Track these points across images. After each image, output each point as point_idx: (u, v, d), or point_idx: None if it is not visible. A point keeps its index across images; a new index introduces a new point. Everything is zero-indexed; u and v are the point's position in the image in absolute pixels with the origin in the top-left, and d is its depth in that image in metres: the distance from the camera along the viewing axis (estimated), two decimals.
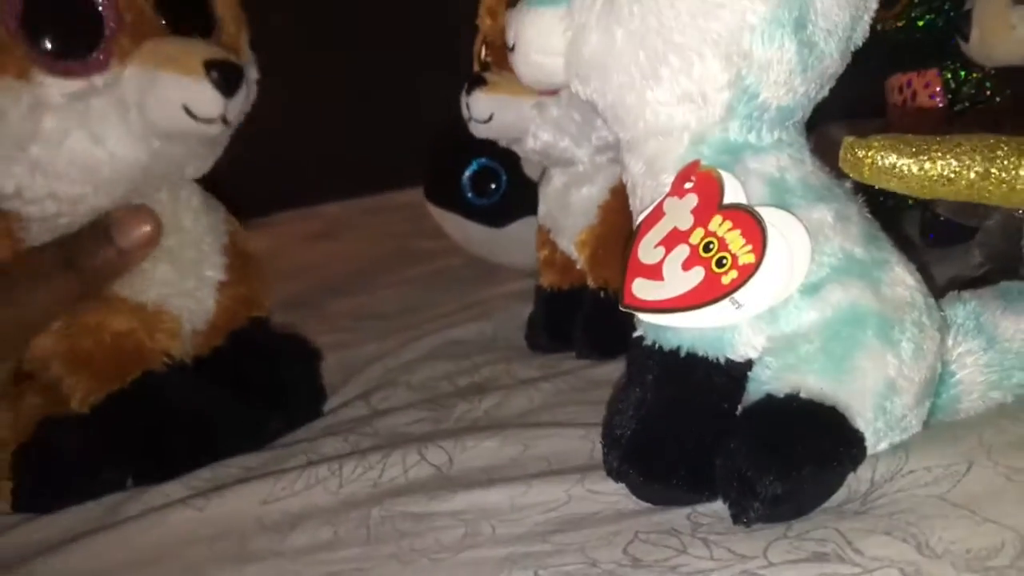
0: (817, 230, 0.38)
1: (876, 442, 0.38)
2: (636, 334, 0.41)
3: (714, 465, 0.37)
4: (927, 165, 0.34)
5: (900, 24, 0.67)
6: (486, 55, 0.62)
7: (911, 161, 0.35)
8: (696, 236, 0.37)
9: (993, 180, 0.35)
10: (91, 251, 0.49)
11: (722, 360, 0.38)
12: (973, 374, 0.40)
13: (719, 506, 0.38)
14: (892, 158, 0.35)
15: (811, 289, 0.38)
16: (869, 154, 0.35)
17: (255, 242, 0.61)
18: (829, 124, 0.61)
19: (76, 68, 0.46)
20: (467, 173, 0.81)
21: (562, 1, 0.40)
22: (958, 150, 0.34)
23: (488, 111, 0.58)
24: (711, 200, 0.37)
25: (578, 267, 0.63)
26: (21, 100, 0.46)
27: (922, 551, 0.32)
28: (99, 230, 0.49)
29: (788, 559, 0.33)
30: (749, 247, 0.36)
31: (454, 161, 0.82)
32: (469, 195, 0.81)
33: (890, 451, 0.38)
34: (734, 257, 0.36)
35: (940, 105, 0.67)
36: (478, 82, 0.58)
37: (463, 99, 0.59)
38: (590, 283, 0.61)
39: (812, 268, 0.37)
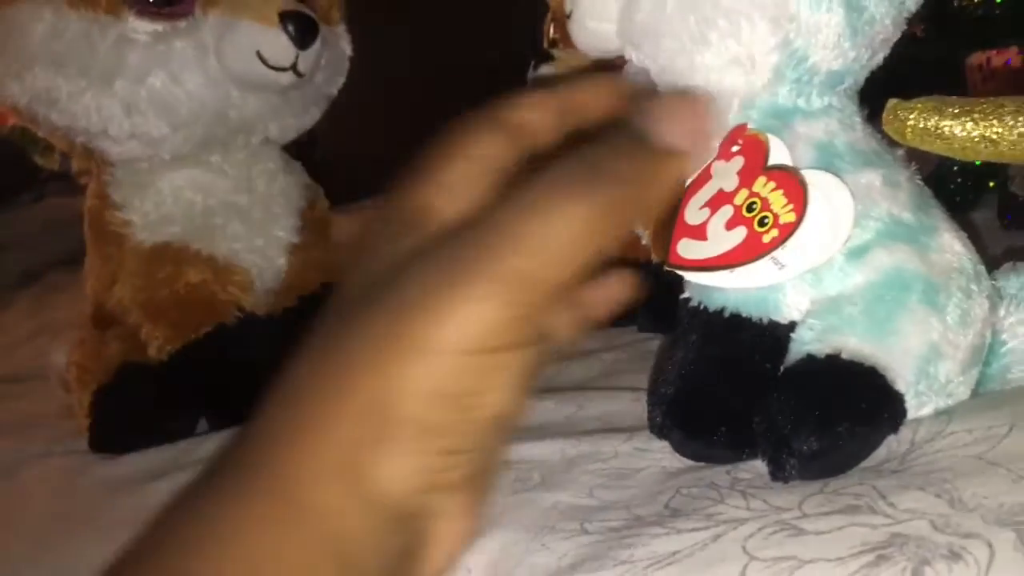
0: (864, 194, 0.38)
1: (918, 405, 0.38)
2: (683, 296, 0.42)
3: (754, 424, 0.38)
4: (969, 126, 0.34)
5: (978, 0, 0.66)
6: (554, 33, 0.63)
7: (953, 123, 0.35)
8: (740, 197, 0.38)
9: None
10: (623, 157, 0.28)
11: (766, 321, 0.39)
12: None
13: (761, 464, 0.38)
14: (934, 120, 0.35)
15: (857, 252, 0.38)
16: (912, 116, 0.35)
17: (340, 226, 0.63)
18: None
19: (164, 12, 0.50)
20: None
21: None
22: (1001, 111, 0.34)
23: None
24: (757, 162, 0.38)
25: (643, 243, 0.63)
26: (109, 34, 0.49)
27: (954, 505, 0.32)
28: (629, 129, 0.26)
29: (822, 511, 0.34)
30: (790, 206, 0.36)
31: None
32: None
33: (933, 415, 0.38)
34: (775, 216, 0.36)
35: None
36: (545, 59, 0.60)
37: (530, 75, 0.60)
38: (654, 258, 0.62)
39: (858, 231, 0.38)
